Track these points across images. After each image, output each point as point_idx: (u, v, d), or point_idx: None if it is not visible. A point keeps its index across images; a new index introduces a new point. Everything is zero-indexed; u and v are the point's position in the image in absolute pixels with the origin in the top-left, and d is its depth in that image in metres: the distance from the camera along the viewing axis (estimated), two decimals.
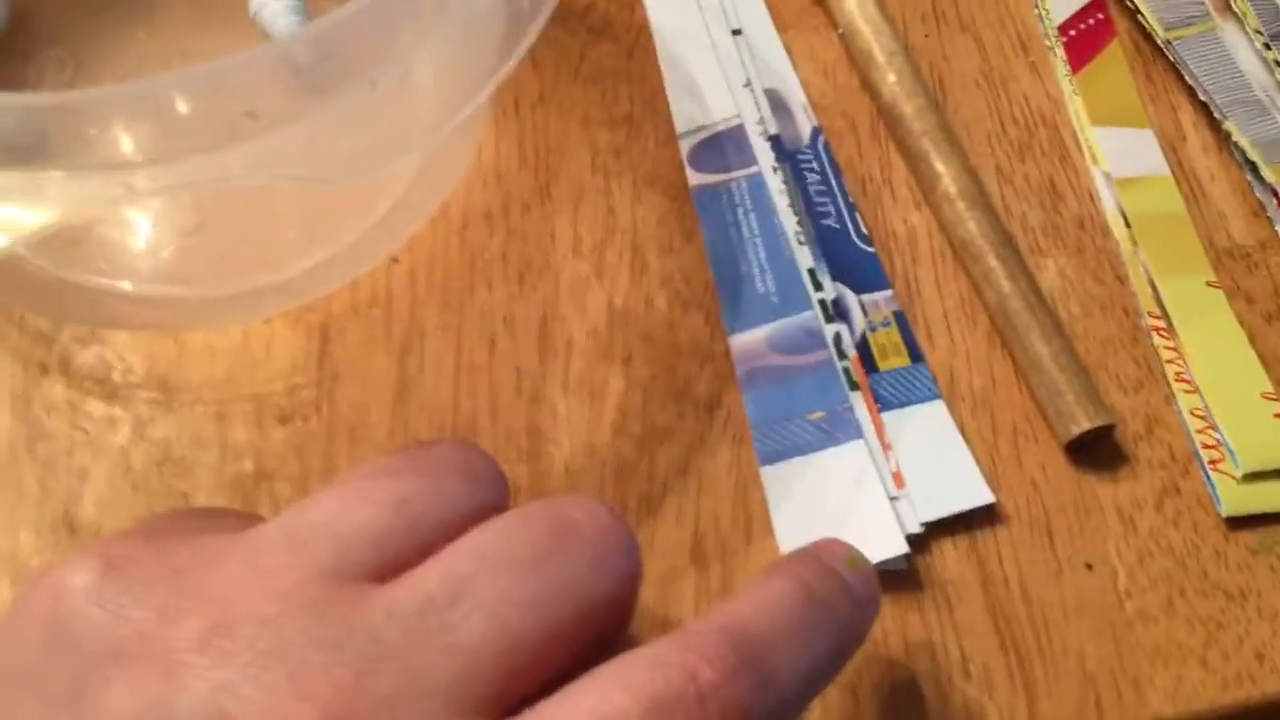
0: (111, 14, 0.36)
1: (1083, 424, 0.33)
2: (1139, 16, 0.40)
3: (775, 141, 0.37)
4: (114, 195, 0.22)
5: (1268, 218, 0.38)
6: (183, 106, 0.22)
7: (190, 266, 0.32)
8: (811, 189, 0.37)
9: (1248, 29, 0.40)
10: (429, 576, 0.20)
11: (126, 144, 0.22)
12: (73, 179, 0.22)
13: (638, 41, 0.39)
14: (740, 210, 0.36)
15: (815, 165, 0.37)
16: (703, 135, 0.37)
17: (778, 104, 0.38)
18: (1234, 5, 0.40)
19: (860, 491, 0.32)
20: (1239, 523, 0.33)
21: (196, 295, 0.32)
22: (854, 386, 0.34)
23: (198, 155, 0.22)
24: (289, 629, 0.19)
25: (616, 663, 0.20)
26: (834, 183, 0.37)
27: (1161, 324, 0.36)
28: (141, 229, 0.31)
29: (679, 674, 0.19)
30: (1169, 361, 0.35)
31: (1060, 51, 0.40)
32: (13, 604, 0.21)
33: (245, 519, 0.23)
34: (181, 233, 0.32)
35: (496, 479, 0.23)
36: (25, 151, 0.21)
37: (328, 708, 0.18)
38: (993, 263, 0.35)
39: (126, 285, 0.32)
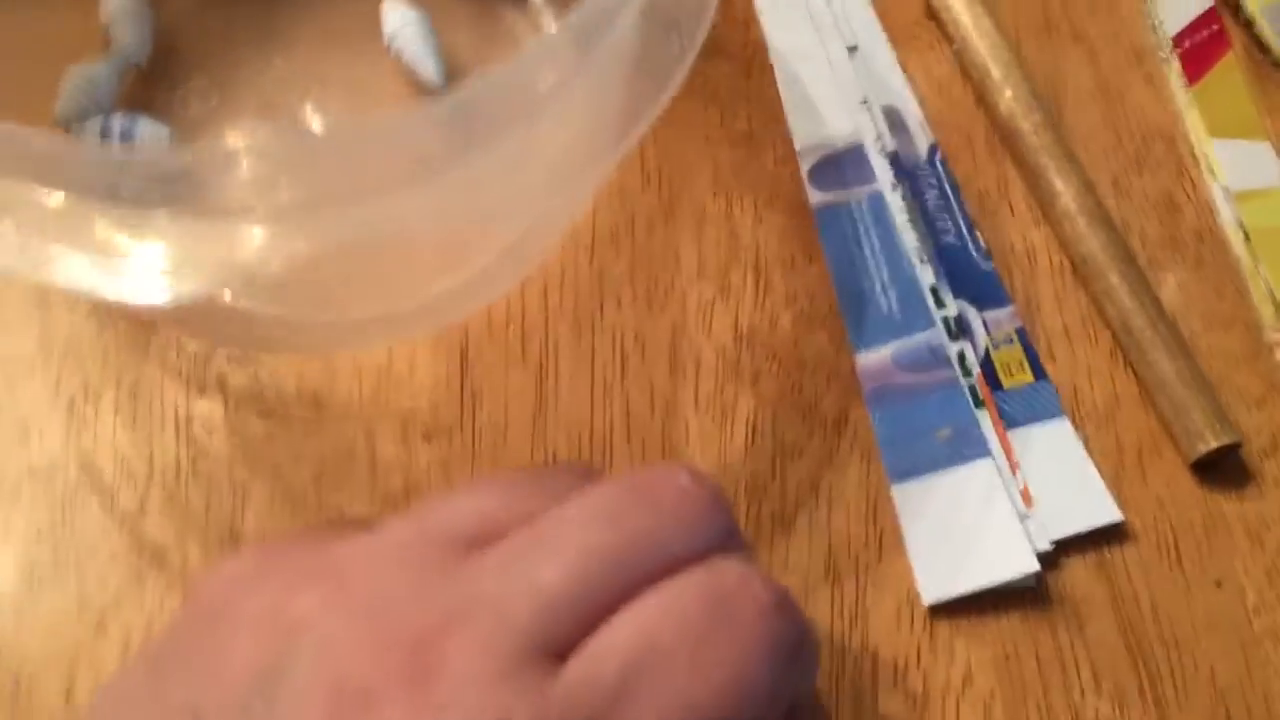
0: (249, 42, 0.37)
1: (1210, 442, 0.33)
2: (1253, 28, 0.40)
3: (894, 159, 0.37)
4: (294, 243, 0.23)
5: None
6: (356, 158, 0.23)
7: (338, 292, 0.33)
8: (931, 206, 0.37)
9: None
10: (516, 536, 0.22)
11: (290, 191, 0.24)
12: (260, 225, 0.23)
13: (754, 60, 0.39)
14: (861, 228, 0.36)
15: (934, 181, 0.38)
16: (822, 153, 0.38)
17: (894, 121, 0.38)
18: None
19: (990, 510, 0.32)
20: None
21: (345, 319, 0.33)
22: (979, 404, 0.34)
23: (372, 201, 0.23)
24: (393, 585, 0.22)
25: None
26: (953, 199, 0.37)
27: None
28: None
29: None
30: None
31: (1175, 64, 0.40)
32: (184, 593, 0.23)
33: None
34: (329, 260, 0.33)
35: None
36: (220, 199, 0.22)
37: (417, 643, 0.21)
38: (1114, 279, 0.35)
39: (278, 311, 0.33)
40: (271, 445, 0.33)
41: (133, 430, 0.32)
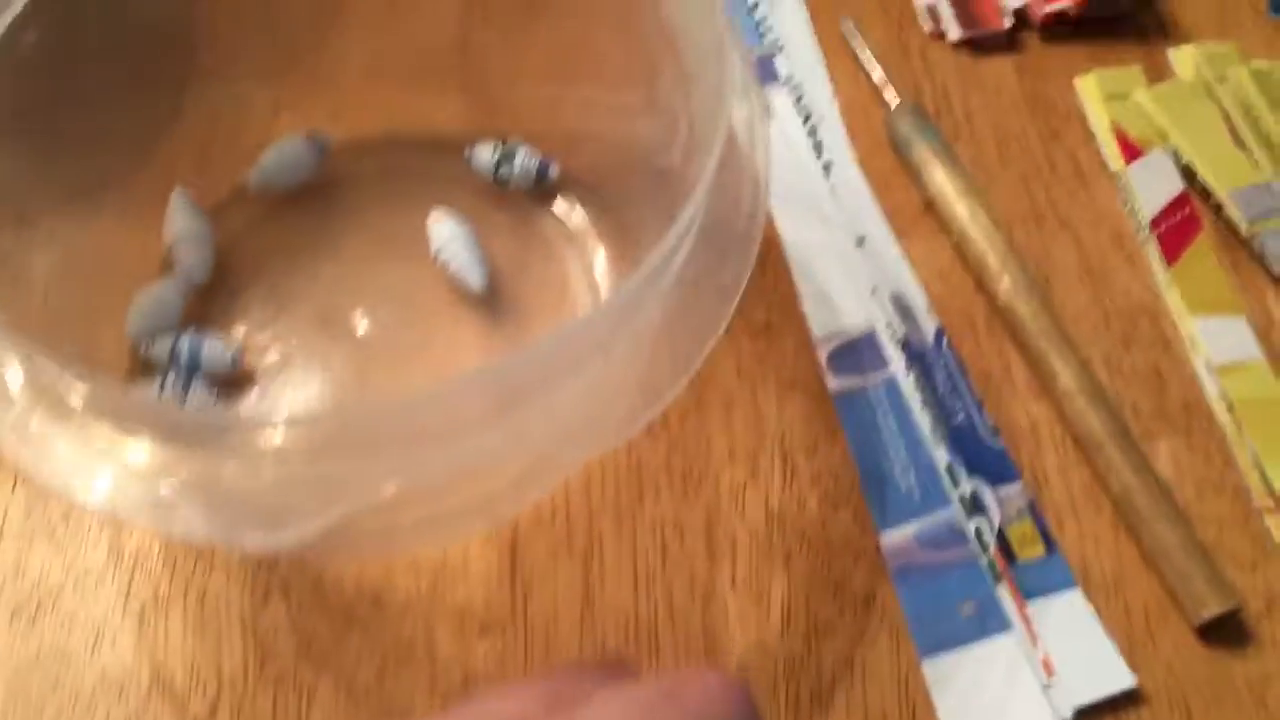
0: (302, 250, 0.40)
1: (1213, 608, 0.36)
2: (1222, 211, 0.44)
3: (905, 344, 0.41)
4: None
5: None
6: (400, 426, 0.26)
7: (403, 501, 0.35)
8: (941, 387, 0.40)
9: None
10: None
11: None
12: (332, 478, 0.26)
13: (769, 254, 0.43)
14: (879, 412, 0.39)
15: (942, 364, 0.40)
16: (838, 341, 0.41)
17: (902, 307, 0.41)
18: None
19: (1015, 682, 0.35)
20: None
21: (410, 521, 0.35)
22: (998, 579, 0.36)
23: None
24: None
25: None
26: (960, 380, 0.40)
27: (1271, 504, 0.39)
28: None
29: None
30: None
31: (1154, 245, 0.43)
32: None
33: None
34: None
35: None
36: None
37: None
38: (1114, 454, 0.38)
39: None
40: (335, 645, 0.34)
41: (201, 637, 0.34)
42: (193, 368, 0.36)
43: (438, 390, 0.25)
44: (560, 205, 0.42)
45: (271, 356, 0.38)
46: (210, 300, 0.39)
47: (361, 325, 0.39)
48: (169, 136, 0.40)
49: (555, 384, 0.27)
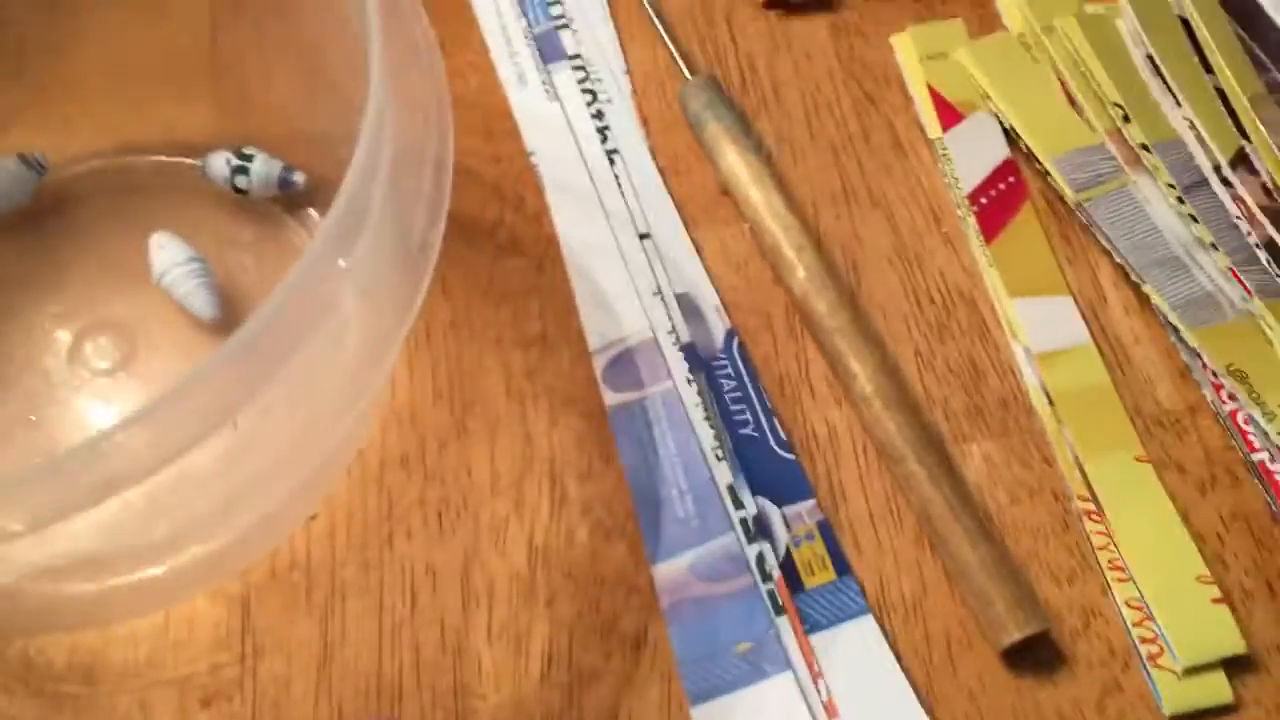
0: (19, 288, 0.36)
1: (1014, 634, 0.32)
2: (1049, 178, 0.40)
3: (689, 350, 0.37)
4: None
5: (1195, 380, 0.37)
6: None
7: (108, 559, 0.32)
8: (728, 397, 0.36)
9: (1160, 183, 0.39)
10: None
11: None
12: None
13: (547, 254, 0.39)
14: (656, 429, 0.36)
15: (730, 371, 0.37)
16: (615, 350, 0.37)
17: (689, 309, 0.38)
18: (1145, 160, 0.40)
19: None
20: None
21: (115, 584, 0.32)
22: (780, 611, 0.33)
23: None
24: None
25: None
26: (750, 388, 0.37)
27: (1092, 507, 0.35)
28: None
29: None
30: (1101, 548, 0.35)
31: (972, 220, 0.39)
32: None
33: None
34: (98, 530, 0.32)
35: None
36: None
37: None
38: (913, 465, 0.35)
39: (45, 586, 0.32)
40: None
41: None
42: None
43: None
44: (310, 216, 0.38)
45: None
46: None
47: (88, 363, 0.35)
48: None
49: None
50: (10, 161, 0.37)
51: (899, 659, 0.33)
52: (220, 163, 0.37)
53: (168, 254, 0.35)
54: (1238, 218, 0.38)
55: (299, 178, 0.37)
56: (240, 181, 0.37)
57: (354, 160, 0.25)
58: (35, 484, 0.22)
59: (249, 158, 0.37)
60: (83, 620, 0.32)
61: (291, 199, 0.38)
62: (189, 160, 0.38)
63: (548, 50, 0.42)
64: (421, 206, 0.28)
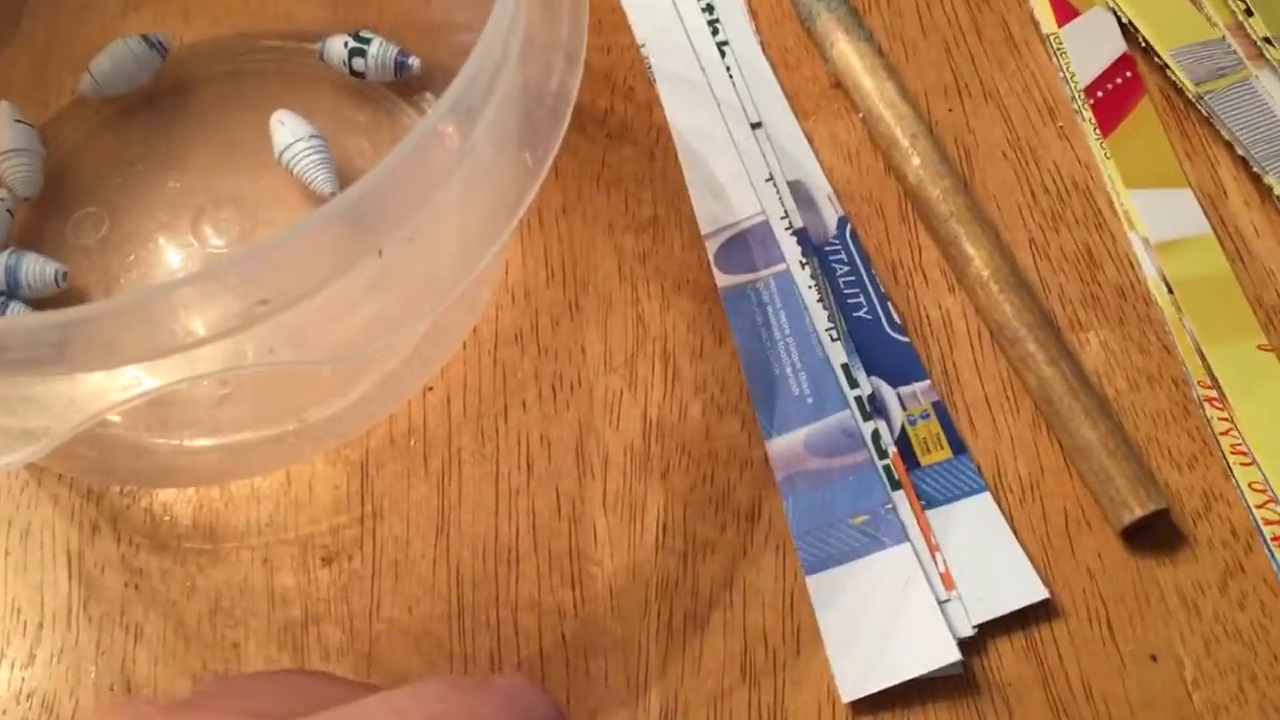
0: (141, 166, 0.37)
1: (1135, 511, 0.32)
2: (1168, 72, 0.39)
3: (801, 235, 0.37)
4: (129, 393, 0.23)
5: None
6: (192, 308, 0.23)
7: (231, 416, 0.33)
8: (841, 281, 0.36)
9: None
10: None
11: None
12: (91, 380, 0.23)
13: (658, 143, 0.39)
14: (770, 309, 0.36)
15: (843, 256, 0.37)
16: (727, 235, 0.37)
17: (802, 196, 0.38)
18: (1267, 53, 0.39)
19: (908, 598, 0.31)
20: None
21: (238, 441, 0.33)
22: (896, 486, 0.33)
23: (212, 347, 0.23)
24: None
25: None
26: (864, 272, 0.36)
27: (1213, 394, 0.35)
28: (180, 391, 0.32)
29: None
30: (1224, 434, 0.34)
31: (1089, 114, 0.39)
32: None
33: (284, 685, 0.24)
34: (220, 386, 0.32)
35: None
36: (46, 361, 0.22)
37: None
38: (1031, 346, 0.34)
39: (171, 440, 0.32)
40: (165, 581, 0.32)
41: (24, 574, 0.32)
42: (11, 288, 0.33)
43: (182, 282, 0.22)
44: (427, 100, 0.38)
45: (104, 275, 0.35)
46: (40, 219, 0.36)
47: (206, 239, 0.36)
48: (6, 43, 0.38)
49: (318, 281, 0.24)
50: (133, 42, 0.37)
51: (1016, 536, 0.33)
52: (338, 45, 0.38)
53: (289, 130, 0.36)
54: None
55: (415, 61, 0.38)
56: (357, 64, 0.37)
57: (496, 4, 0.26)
58: (197, 290, 0.22)
59: (366, 40, 0.37)
60: (208, 476, 0.33)
61: (407, 83, 0.38)
62: (307, 44, 0.38)
63: None
64: (559, 54, 0.28)
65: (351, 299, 0.24)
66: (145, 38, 0.38)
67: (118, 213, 0.36)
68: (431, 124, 0.24)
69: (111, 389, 0.24)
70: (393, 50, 0.37)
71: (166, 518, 0.33)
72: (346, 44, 0.37)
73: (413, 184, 0.25)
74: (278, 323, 0.24)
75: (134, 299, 0.22)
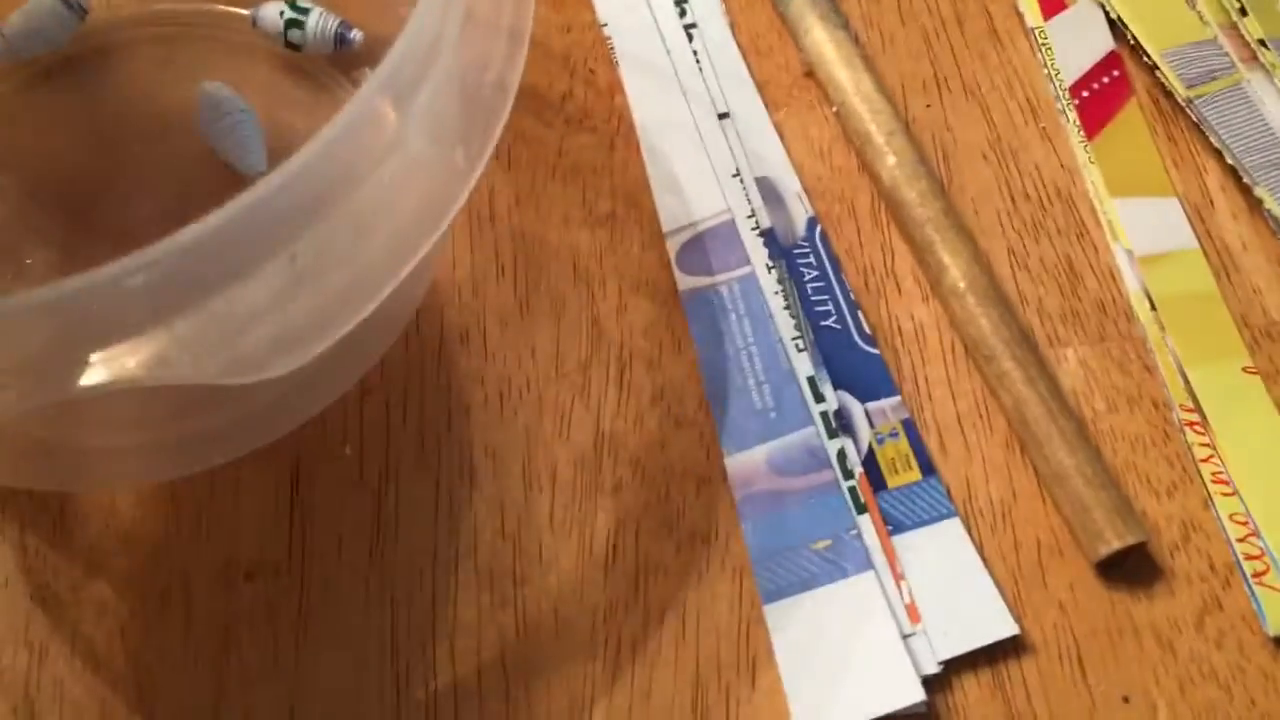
0: (55, 131, 0.34)
1: (1112, 543, 0.30)
2: (1157, 73, 0.37)
3: (769, 236, 0.35)
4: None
5: None
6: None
7: (148, 410, 0.30)
8: (809, 286, 0.34)
9: (1277, 81, 0.37)
10: None
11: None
12: None
13: (619, 131, 0.36)
14: (733, 316, 0.34)
15: (812, 260, 0.35)
16: (690, 234, 0.35)
17: (770, 194, 0.35)
18: (1261, 56, 0.37)
19: (870, 631, 0.29)
20: None
21: (155, 439, 0.30)
22: (861, 509, 0.31)
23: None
24: None
25: None
26: (833, 278, 0.34)
27: (1195, 418, 0.33)
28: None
29: None
30: (1205, 460, 0.32)
31: (1073, 115, 0.37)
32: None
33: None
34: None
35: None
36: None
37: None
38: (1008, 364, 0.32)
39: (82, 437, 0.30)
40: (75, 596, 0.29)
41: None
42: None
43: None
44: (369, 76, 0.35)
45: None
46: None
47: (124, 218, 0.33)
48: None
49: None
50: (50, 1, 0.34)
51: (986, 566, 0.31)
52: (273, 13, 0.35)
53: (216, 103, 0.33)
54: None
55: (356, 35, 0.35)
56: (294, 36, 0.35)
57: None
58: (88, 296, 0.20)
59: (304, 10, 0.35)
60: (120, 478, 0.31)
61: (347, 58, 0.36)
62: (238, 10, 0.36)
63: None
64: (500, 40, 0.26)
65: (257, 306, 0.22)
66: None
67: (30, 188, 0.33)
68: (367, 101, 0.22)
69: None
70: (333, 21, 0.35)
71: (77, 527, 0.30)
72: (283, 13, 0.35)
73: (341, 173, 0.22)
74: (172, 332, 0.21)
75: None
